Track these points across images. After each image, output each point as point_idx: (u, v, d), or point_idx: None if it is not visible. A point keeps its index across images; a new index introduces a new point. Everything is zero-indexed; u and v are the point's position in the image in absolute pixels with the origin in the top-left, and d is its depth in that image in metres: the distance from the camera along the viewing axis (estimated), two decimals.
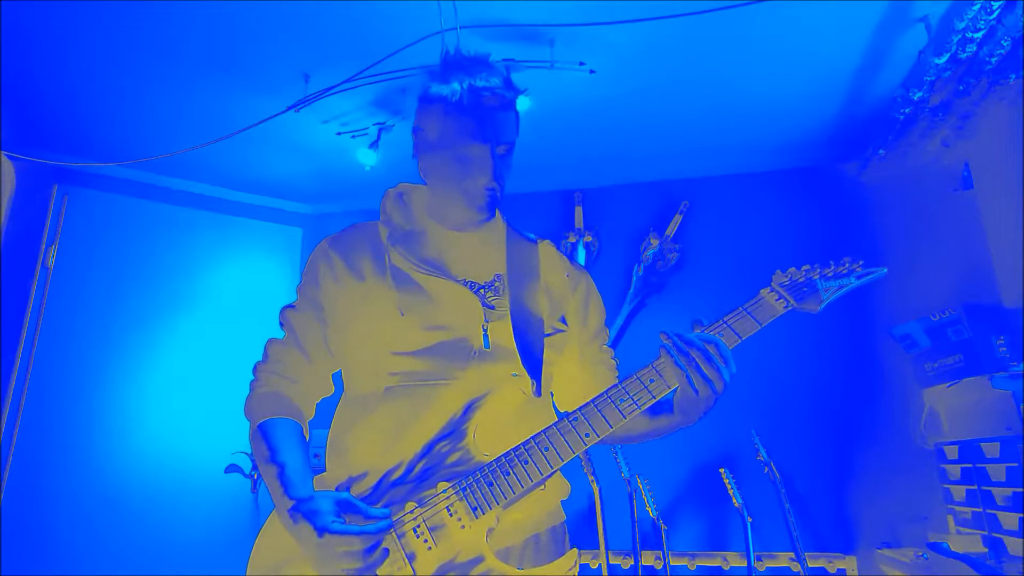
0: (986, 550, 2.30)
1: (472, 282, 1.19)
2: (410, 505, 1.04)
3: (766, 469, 2.81)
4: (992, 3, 2.08)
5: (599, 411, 1.06)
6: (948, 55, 2.33)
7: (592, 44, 2.46)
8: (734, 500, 2.77)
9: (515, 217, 1.36)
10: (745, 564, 2.75)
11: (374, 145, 3.01)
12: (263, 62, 2.58)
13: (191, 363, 3.39)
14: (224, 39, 2.45)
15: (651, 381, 1.06)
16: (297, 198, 3.89)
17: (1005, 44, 2.18)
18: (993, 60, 2.25)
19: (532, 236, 1.33)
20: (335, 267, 1.19)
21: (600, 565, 2.87)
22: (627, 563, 3.05)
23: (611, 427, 1.05)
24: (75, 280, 3.23)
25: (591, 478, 2.96)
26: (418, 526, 1.02)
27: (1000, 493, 2.27)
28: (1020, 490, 2.15)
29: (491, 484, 1.03)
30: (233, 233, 3.67)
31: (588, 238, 3.65)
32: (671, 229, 3.54)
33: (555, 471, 1.06)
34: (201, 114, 2.93)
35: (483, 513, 1.02)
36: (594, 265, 3.64)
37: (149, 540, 3.07)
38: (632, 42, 2.46)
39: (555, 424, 1.06)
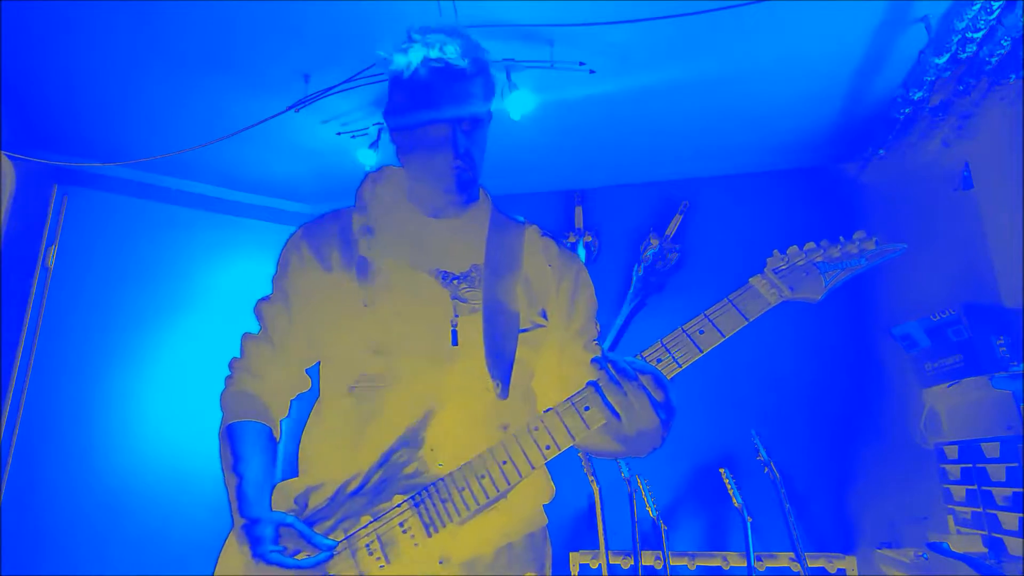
0: (986, 550, 2.30)
1: (445, 272, 1.10)
2: (365, 519, 0.99)
3: (766, 469, 2.81)
4: (992, 3, 2.08)
5: (561, 420, 0.96)
6: (948, 55, 2.32)
7: (592, 44, 2.46)
8: (734, 500, 2.77)
9: None
10: (745, 564, 2.75)
11: (374, 145, 3.01)
12: (263, 62, 2.58)
13: (191, 363, 3.39)
14: (224, 39, 2.45)
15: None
16: (297, 198, 3.89)
17: (1005, 44, 2.18)
18: (993, 60, 2.25)
19: (521, 219, 1.23)
20: (304, 257, 1.14)
21: (600, 565, 2.87)
22: (627, 563, 3.05)
23: (573, 439, 0.96)
24: (75, 280, 3.23)
25: (591, 478, 2.96)
26: (371, 543, 0.97)
27: (1000, 493, 2.27)
28: (1020, 490, 2.15)
29: (444, 501, 0.97)
30: (233, 233, 3.67)
31: (588, 238, 3.65)
32: (671, 229, 3.54)
33: (513, 487, 0.98)
34: (201, 114, 2.93)
35: (436, 531, 0.96)
36: (594, 265, 3.64)
37: (149, 540, 3.07)
38: (632, 42, 2.46)
39: (514, 434, 0.98)
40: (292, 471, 1.13)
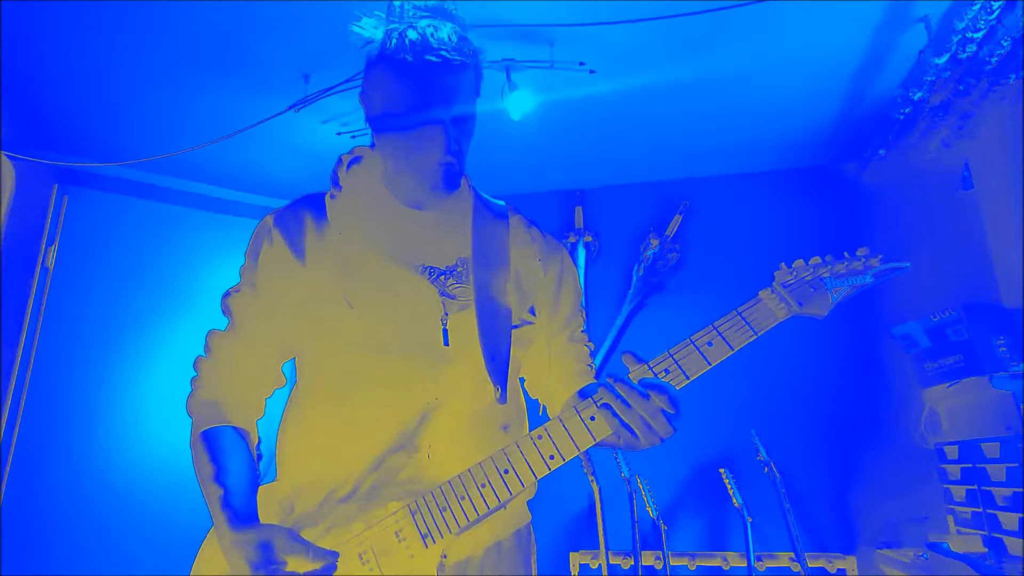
0: (986, 550, 2.30)
1: (431, 267, 1.05)
2: (357, 527, 0.94)
3: (766, 469, 2.81)
4: (992, 3, 2.08)
5: (566, 430, 0.94)
6: (948, 55, 2.33)
7: (592, 44, 2.46)
8: (734, 500, 2.77)
9: None
10: (745, 564, 2.75)
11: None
12: (263, 62, 2.58)
13: (191, 363, 3.39)
14: (224, 39, 2.45)
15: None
16: None
17: (1005, 44, 2.18)
18: (993, 60, 2.25)
19: (502, 204, 1.18)
20: (276, 247, 1.05)
21: (600, 565, 2.87)
22: (627, 563, 3.05)
23: (579, 449, 0.94)
24: (75, 280, 3.23)
25: (591, 478, 2.96)
26: (364, 552, 0.93)
27: (1000, 493, 2.27)
28: (1020, 490, 2.15)
29: (443, 509, 0.93)
30: (233, 233, 3.67)
31: (588, 238, 3.65)
32: (671, 229, 3.54)
33: (514, 497, 0.94)
34: (201, 114, 2.93)
35: (434, 542, 0.93)
36: (594, 265, 3.64)
37: (149, 540, 3.07)
38: (632, 42, 2.46)
39: (516, 442, 0.95)
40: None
